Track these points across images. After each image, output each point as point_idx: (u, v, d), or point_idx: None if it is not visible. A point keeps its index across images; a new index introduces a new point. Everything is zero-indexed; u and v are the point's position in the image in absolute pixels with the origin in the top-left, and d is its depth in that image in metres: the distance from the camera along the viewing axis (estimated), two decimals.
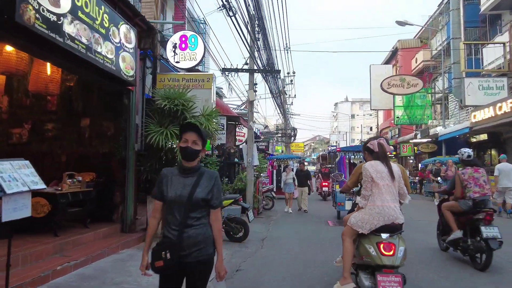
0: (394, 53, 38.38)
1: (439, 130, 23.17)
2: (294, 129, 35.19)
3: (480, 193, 6.09)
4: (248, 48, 11.39)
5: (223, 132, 11.97)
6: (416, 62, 32.95)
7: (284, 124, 33.72)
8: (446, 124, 23.61)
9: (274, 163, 20.94)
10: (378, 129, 43.61)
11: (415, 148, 31.27)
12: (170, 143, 6.88)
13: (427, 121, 28.26)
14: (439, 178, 17.99)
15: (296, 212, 13.25)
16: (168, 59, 8.16)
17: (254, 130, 20.93)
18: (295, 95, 45.01)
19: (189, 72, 8.23)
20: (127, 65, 6.65)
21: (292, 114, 39.12)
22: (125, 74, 6.58)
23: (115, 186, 7.45)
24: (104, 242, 6.47)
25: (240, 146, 15.35)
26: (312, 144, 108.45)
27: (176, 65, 8.11)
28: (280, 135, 35.62)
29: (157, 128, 7.00)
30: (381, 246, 3.96)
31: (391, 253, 3.92)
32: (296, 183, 13.03)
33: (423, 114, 28.59)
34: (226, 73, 12.25)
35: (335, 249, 7.14)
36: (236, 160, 13.25)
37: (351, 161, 13.50)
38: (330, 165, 22.19)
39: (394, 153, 35.45)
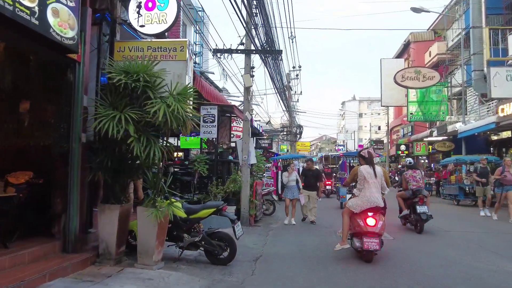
0: (406, 47, 36.35)
1: (459, 126, 21.11)
2: (300, 127, 33.21)
3: (416, 186, 9.48)
4: (244, 25, 9.48)
5: (213, 125, 10.07)
6: (430, 56, 30.88)
7: (289, 121, 31.75)
8: (466, 120, 21.51)
9: (279, 164, 19.56)
10: (388, 127, 41.43)
11: (430, 147, 29.22)
12: (123, 131, 4.98)
13: (444, 117, 26.16)
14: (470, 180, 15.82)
15: (300, 222, 10.57)
16: (131, 22, 6.25)
17: (254, 125, 19.09)
18: (301, 92, 42.93)
19: (158, 39, 6.32)
20: (62, 22, 4.76)
21: (298, 112, 37.19)
22: (57, 34, 4.70)
23: (56, 190, 5.58)
24: (29, 268, 4.60)
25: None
26: (319, 144, 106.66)
27: (141, 30, 6.20)
28: (285, 133, 33.63)
29: (107, 112, 5.10)
30: (367, 220, 6.21)
31: (373, 224, 6.17)
32: (301, 186, 10.00)
33: (439, 110, 26.52)
34: (219, 55, 10.36)
35: (353, 276, 5.23)
36: (230, 158, 11.33)
37: (351, 164, 16.90)
38: (335, 166, 23.48)
39: (406, 152, 33.45)
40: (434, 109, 26.93)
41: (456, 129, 21.11)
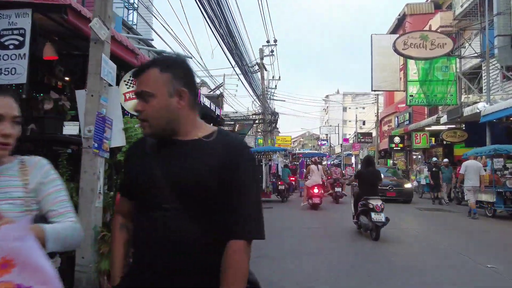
0: (400, 21, 30.99)
1: (482, 107, 15.59)
2: (275, 114, 27.42)
3: (336, 176, 17.11)
4: None
5: (20, 54, 4.15)
6: (430, 30, 25.47)
7: (262, 106, 25.89)
8: (491, 100, 16.05)
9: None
10: (377, 117, 36.12)
11: (433, 138, 23.83)
12: None
13: (452, 101, 20.76)
14: None
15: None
16: None
17: (203, 102, 13.14)
18: (279, 77, 37.07)
19: None
20: None
21: (274, 98, 31.33)
22: None
23: None
24: None
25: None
26: (302, 139, 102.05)
27: None
28: (257, 122, 27.76)
29: None
30: (314, 189, 13.23)
31: (317, 191, 13.21)
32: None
33: (446, 91, 21.07)
34: None
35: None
36: (79, 134, 5.39)
37: (307, 162, 21.54)
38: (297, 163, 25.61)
39: (401, 145, 28.01)
40: (439, 90, 21.49)
41: (478, 110, 15.60)
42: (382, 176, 17.54)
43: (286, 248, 6.85)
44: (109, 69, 4.19)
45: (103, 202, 4.12)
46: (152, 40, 12.86)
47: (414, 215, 12.51)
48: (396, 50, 18.09)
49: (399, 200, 16.07)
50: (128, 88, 8.40)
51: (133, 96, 8.76)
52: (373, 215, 7.54)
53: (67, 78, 6.31)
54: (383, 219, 7.52)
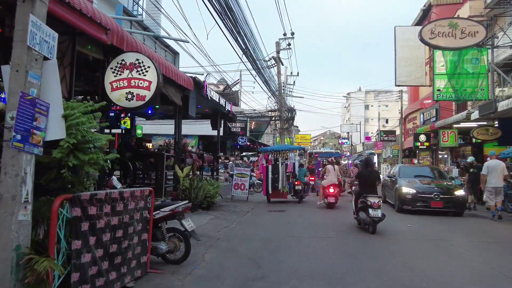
0: (426, 12, 29.26)
1: None
2: (292, 111, 26.18)
3: (353, 175, 18.14)
4: None
5: None
6: (459, 17, 23.73)
7: (278, 102, 24.69)
8: None
9: (270, 156, 16.40)
10: (402, 114, 34.34)
11: (461, 136, 22.18)
12: None
13: (487, 95, 19.02)
14: None
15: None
16: None
17: (210, 95, 12.13)
18: (298, 73, 35.70)
19: None
20: None
21: (293, 95, 30.07)
22: None
23: None
24: None
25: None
26: (322, 138, 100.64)
27: None
28: (273, 119, 26.60)
29: None
30: (329, 189, 13.62)
31: (332, 191, 13.56)
32: None
33: (477, 85, 19.37)
34: None
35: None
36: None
37: (323, 162, 21.07)
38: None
39: (427, 143, 26.34)
40: (469, 84, 19.79)
41: None
42: (428, 177, 13.99)
43: (290, 267, 5.57)
44: (43, 36, 3.15)
45: (33, 213, 3.10)
46: (141, 20, 11.87)
47: (444, 222, 11.00)
48: (422, 40, 16.61)
49: (449, 212, 12.12)
50: (115, 76, 7.41)
51: (121, 86, 7.66)
52: (370, 211, 8.45)
53: None
54: (380, 215, 8.43)
